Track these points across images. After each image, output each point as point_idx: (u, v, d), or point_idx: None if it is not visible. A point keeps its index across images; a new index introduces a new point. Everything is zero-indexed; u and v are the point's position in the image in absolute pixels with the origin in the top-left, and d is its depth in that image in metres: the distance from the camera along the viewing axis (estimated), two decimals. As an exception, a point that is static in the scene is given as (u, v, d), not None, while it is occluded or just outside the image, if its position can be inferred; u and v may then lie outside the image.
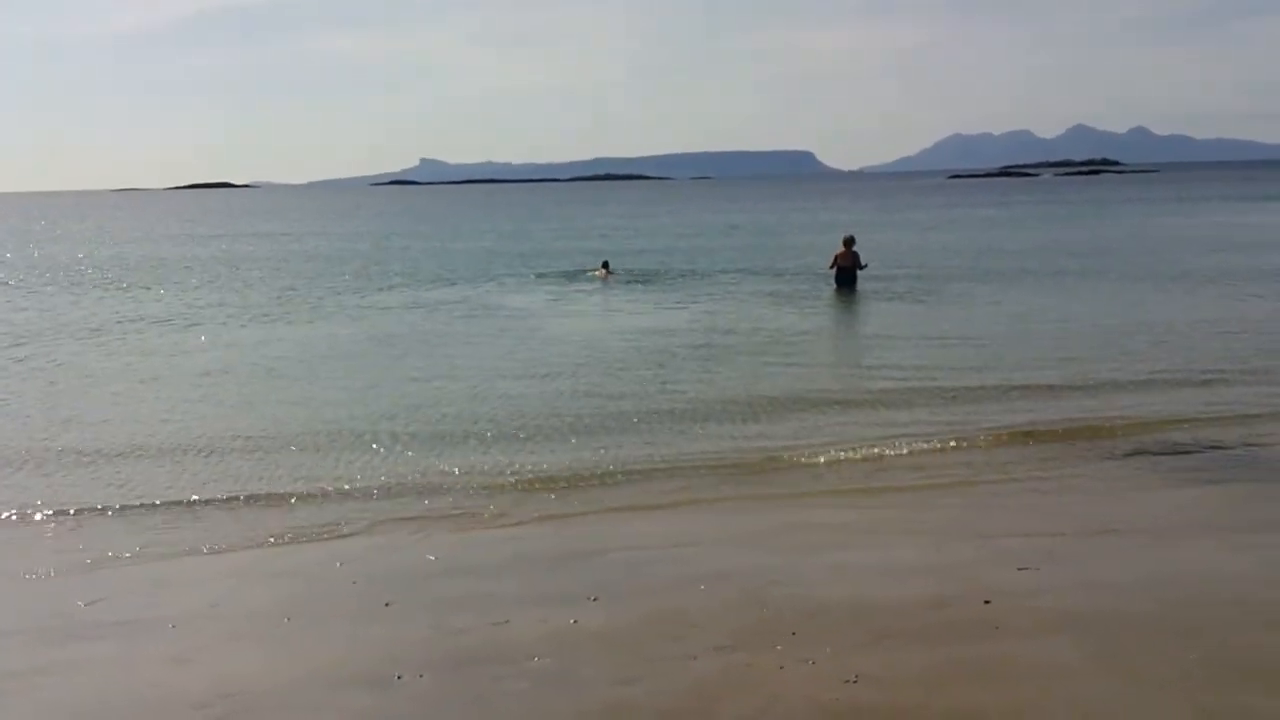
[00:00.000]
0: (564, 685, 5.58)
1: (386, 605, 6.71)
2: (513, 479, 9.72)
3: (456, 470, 10.04)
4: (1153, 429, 11.05)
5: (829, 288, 24.17)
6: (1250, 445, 10.45)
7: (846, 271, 23.83)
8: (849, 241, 24.26)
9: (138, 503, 9.10)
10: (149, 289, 29.10)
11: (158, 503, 9.07)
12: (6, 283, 31.85)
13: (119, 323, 21.57)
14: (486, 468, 10.11)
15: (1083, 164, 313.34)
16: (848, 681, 5.53)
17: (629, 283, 28.14)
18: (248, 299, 25.90)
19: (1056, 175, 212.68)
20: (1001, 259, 32.81)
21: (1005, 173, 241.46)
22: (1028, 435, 10.95)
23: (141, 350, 17.84)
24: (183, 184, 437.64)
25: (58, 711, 5.43)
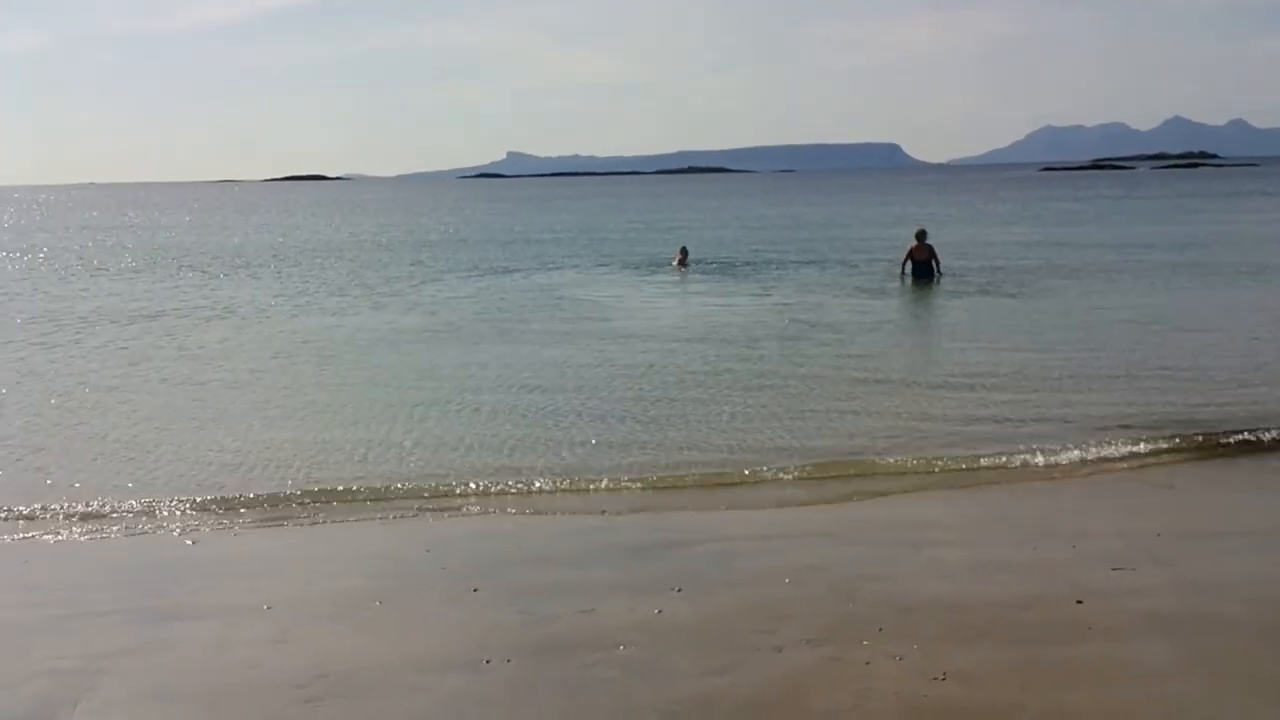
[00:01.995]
0: (651, 674, 5.60)
1: (475, 591, 6.79)
2: (601, 470, 9.75)
3: (544, 459, 10.12)
4: (1259, 428, 10.65)
5: (905, 280, 23.95)
6: None
7: (921, 264, 23.72)
8: (921, 235, 24.23)
9: (235, 492, 9.27)
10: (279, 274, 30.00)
11: (252, 493, 9.21)
12: (138, 270, 32.89)
13: (229, 308, 22.13)
14: (574, 457, 10.16)
15: (1178, 157, 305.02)
16: (936, 679, 5.47)
17: (706, 272, 28.25)
18: (332, 286, 26.53)
19: (1151, 168, 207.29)
20: (1078, 253, 32.11)
21: (1098, 165, 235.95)
22: (1125, 432, 10.67)
23: (246, 339, 18.21)
24: (278, 176, 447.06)
25: (156, 689, 5.57)
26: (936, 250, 24.14)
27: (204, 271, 32.06)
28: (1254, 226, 43.58)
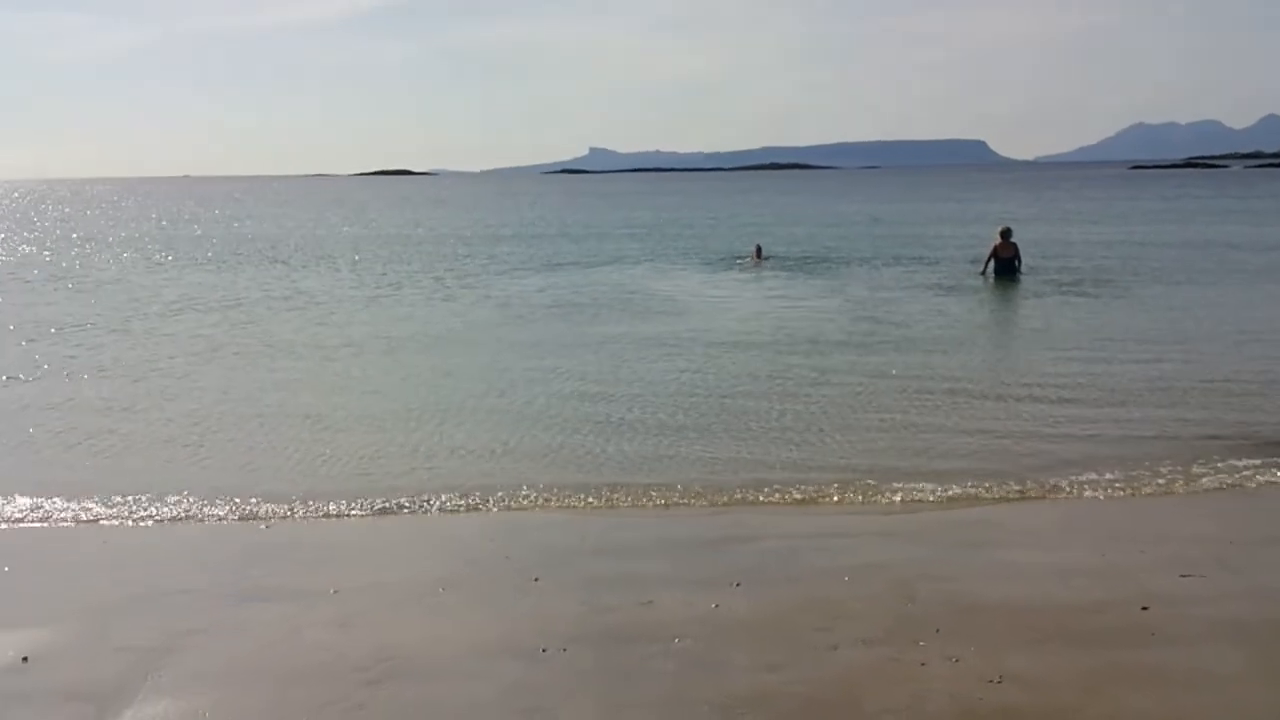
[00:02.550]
0: (707, 668, 5.65)
1: (536, 580, 6.90)
2: (667, 465, 9.80)
3: (610, 452, 10.21)
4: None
5: (987, 279, 23.76)
6: None
7: (1005, 263, 23.58)
8: (1006, 233, 24.04)
9: (304, 481, 9.51)
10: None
11: (321, 484, 9.42)
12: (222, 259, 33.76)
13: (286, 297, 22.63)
14: (639, 452, 10.23)
15: (1275, 155, 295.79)
16: (992, 681, 5.44)
17: (783, 268, 28.26)
18: (403, 278, 27.04)
19: (1245, 167, 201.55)
20: (1159, 253, 31.48)
21: (1190, 164, 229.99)
22: (1201, 438, 10.45)
23: (320, 330, 18.59)
24: (366, 170, 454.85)
25: (225, 668, 5.75)
26: (1020, 249, 24.01)
27: (285, 263, 32.86)
28: None
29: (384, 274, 28.81)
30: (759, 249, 30.52)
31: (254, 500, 8.86)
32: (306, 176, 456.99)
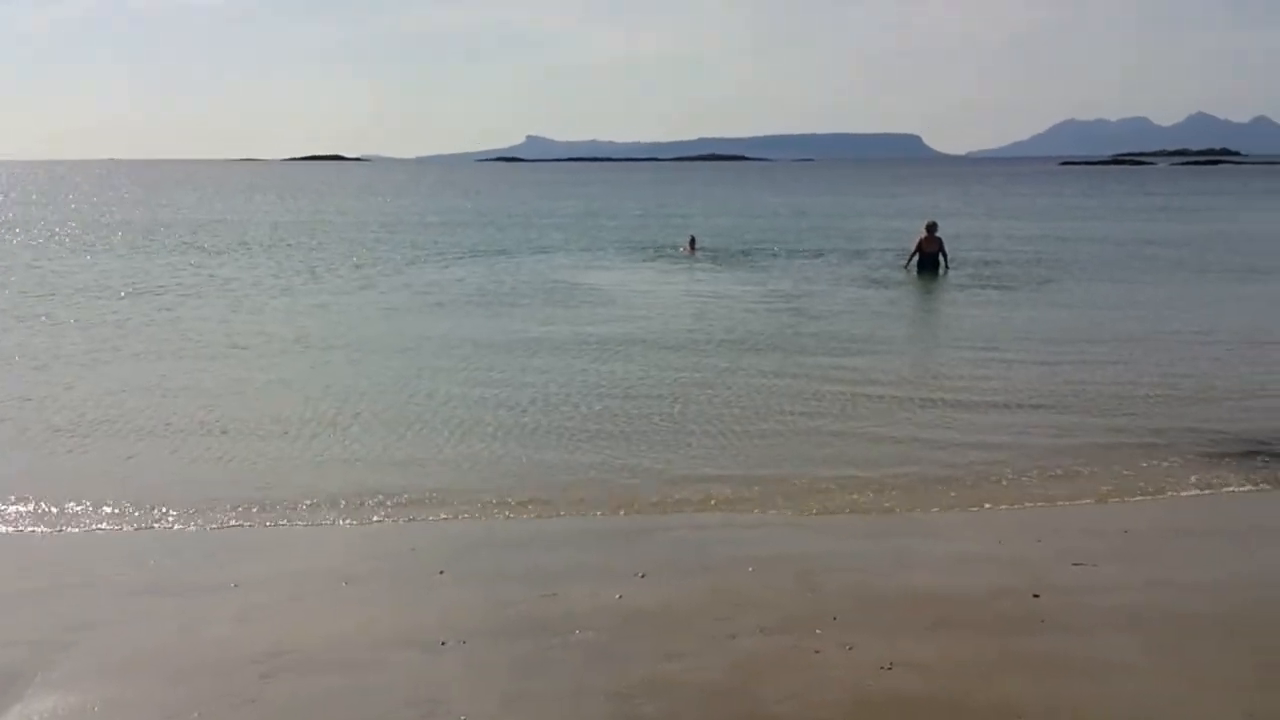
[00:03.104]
0: (608, 658, 5.69)
1: (440, 574, 6.89)
2: (577, 458, 9.78)
3: (521, 448, 10.12)
4: (1243, 433, 10.60)
5: (910, 272, 24.14)
6: None
7: (929, 257, 24.01)
8: (931, 228, 24.46)
9: (211, 473, 9.38)
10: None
11: (228, 475, 9.31)
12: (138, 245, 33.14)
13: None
14: (549, 447, 10.16)
15: (1200, 154, 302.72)
16: (884, 668, 5.54)
17: (711, 260, 28.47)
18: (317, 265, 26.78)
19: (1172, 165, 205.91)
20: (1078, 248, 32.15)
21: (1118, 160, 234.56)
22: (1104, 435, 10.61)
23: (231, 318, 18.32)
24: (297, 155, 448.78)
25: (120, 663, 5.69)
26: (944, 243, 24.47)
27: (204, 249, 32.39)
28: (1256, 226, 43.21)
29: (301, 261, 28.58)
30: (693, 240, 30.77)
31: (156, 495, 8.67)
32: (235, 161, 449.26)
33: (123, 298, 20.84)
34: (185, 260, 28.85)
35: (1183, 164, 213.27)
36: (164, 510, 8.33)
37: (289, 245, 33.83)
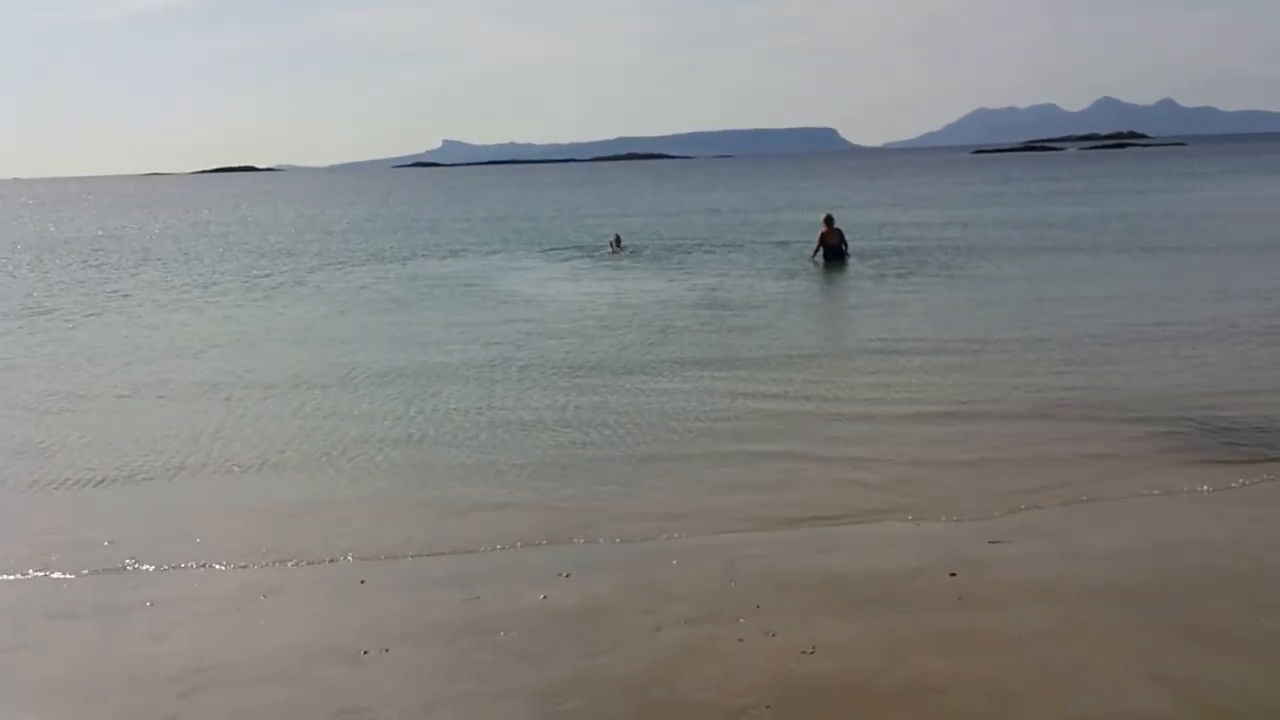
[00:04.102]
0: (530, 658, 5.69)
1: (362, 583, 6.83)
2: (502, 452, 9.72)
3: (443, 451, 9.99)
4: (1152, 403, 10.82)
5: (818, 264, 24.63)
6: (1243, 417, 10.20)
7: (832, 248, 24.77)
8: (829, 220, 25.25)
9: (123, 487, 9.16)
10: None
11: (134, 492, 9.07)
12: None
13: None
14: (475, 450, 10.03)
15: (1108, 137, 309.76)
16: (805, 652, 5.63)
17: (638, 256, 28.57)
18: (214, 277, 26.26)
19: (1081, 149, 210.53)
20: (983, 233, 32.64)
21: (1029, 147, 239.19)
22: (1015, 411, 10.77)
23: (118, 335, 17.97)
24: (207, 168, 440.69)
25: (32, 685, 5.58)
26: (844, 233, 25.20)
27: (100, 267, 31.39)
28: (1155, 206, 44.22)
29: (201, 274, 27.88)
30: (618, 238, 30.90)
31: (61, 517, 8.44)
32: (142, 176, 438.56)
33: (18, 316, 20.20)
34: (83, 276, 28.14)
35: (1091, 148, 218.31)
36: (70, 532, 8.10)
37: (189, 258, 33.15)
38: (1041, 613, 6.08)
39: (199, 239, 42.97)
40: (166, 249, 37.52)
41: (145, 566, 7.28)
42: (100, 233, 49.60)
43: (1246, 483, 8.38)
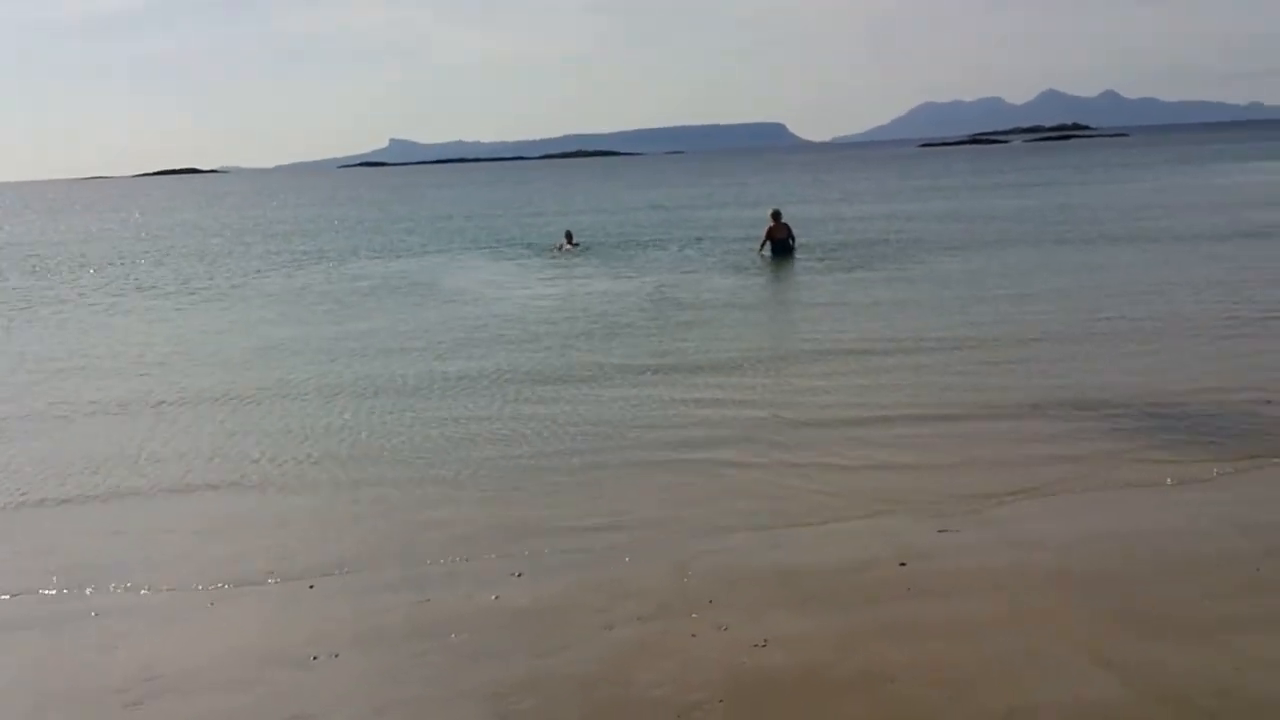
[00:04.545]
0: (482, 659, 5.67)
1: (311, 588, 6.77)
2: (451, 458, 9.63)
3: (395, 450, 9.91)
4: (1099, 396, 10.91)
5: (765, 258, 24.90)
6: (1192, 410, 10.25)
7: (780, 243, 25.11)
8: (776, 214, 25.55)
9: (62, 496, 9.01)
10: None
11: (83, 503, 8.90)
12: None
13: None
14: (428, 449, 9.97)
15: (1053, 129, 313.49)
16: (757, 645, 5.65)
17: (589, 254, 28.50)
18: (149, 280, 25.92)
19: (1026, 141, 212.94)
20: (927, 226, 32.84)
21: (976, 140, 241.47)
22: (959, 402, 10.84)
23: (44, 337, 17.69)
24: (150, 171, 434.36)
25: (-22, 701, 5.47)
26: (791, 228, 25.54)
27: (33, 273, 30.77)
28: (1096, 197, 44.65)
29: (139, 278, 27.47)
30: (569, 235, 30.89)
31: (11, 530, 8.29)
32: (81, 180, 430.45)
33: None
34: (19, 283, 27.58)
35: (1037, 140, 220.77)
36: (11, 545, 7.96)
37: (126, 262, 32.65)
38: (990, 601, 6.15)
39: (136, 242, 42.32)
40: (103, 253, 36.92)
41: (90, 577, 7.15)
42: (39, 238, 48.68)
43: (1196, 473, 8.41)
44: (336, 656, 5.74)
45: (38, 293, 24.77)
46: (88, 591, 6.90)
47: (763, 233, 25.67)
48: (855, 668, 5.40)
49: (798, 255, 24.96)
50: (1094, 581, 6.40)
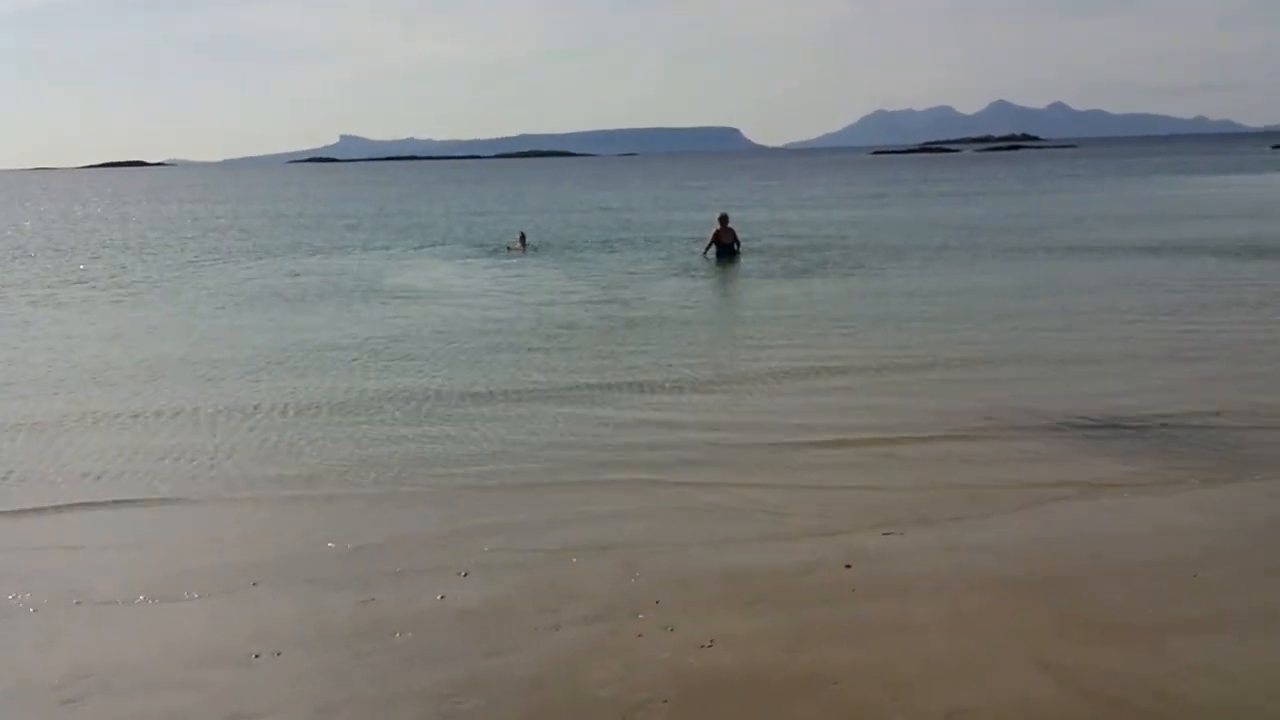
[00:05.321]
0: (427, 660, 5.64)
1: (254, 585, 6.69)
2: (393, 454, 9.57)
3: (340, 449, 9.81)
4: (1030, 400, 11.09)
5: (709, 260, 25.39)
6: (1135, 419, 10.37)
7: (725, 246, 25.68)
8: (724, 219, 26.15)
9: (16, 490, 8.85)
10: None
11: (18, 487, 8.83)
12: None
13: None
14: (374, 446, 9.89)
15: (1002, 139, 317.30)
16: (704, 646, 5.67)
17: (544, 254, 28.58)
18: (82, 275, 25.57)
19: (977, 151, 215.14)
20: (872, 233, 33.16)
21: (927, 148, 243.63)
22: (904, 409, 10.89)
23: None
24: (96, 163, 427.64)
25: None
26: (737, 232, 26.13)
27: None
28: (1045, 207, 45.16)
29: (68, 273, 26.97)
30: (523, 236, 31.01)
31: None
32: (26, 171, 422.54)
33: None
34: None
35: (986, 149, 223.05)
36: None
37: (61, 255, 32.18)
38: (934, 604, 6.22)
39: (71, 235, 41.65)
40: (38, 245, 36.33)
41: (27, 573, 7.04)
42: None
43: (1137, 480, 8.53)
44: (279, 655, 5.68)
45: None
46: (25, 587, 6.75)
47: (709, 235, 26.19)
48: (801, 669, 5.44)
49: (743, 259, 25.34)
50: (1035, 586, 6.48)
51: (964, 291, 19.86)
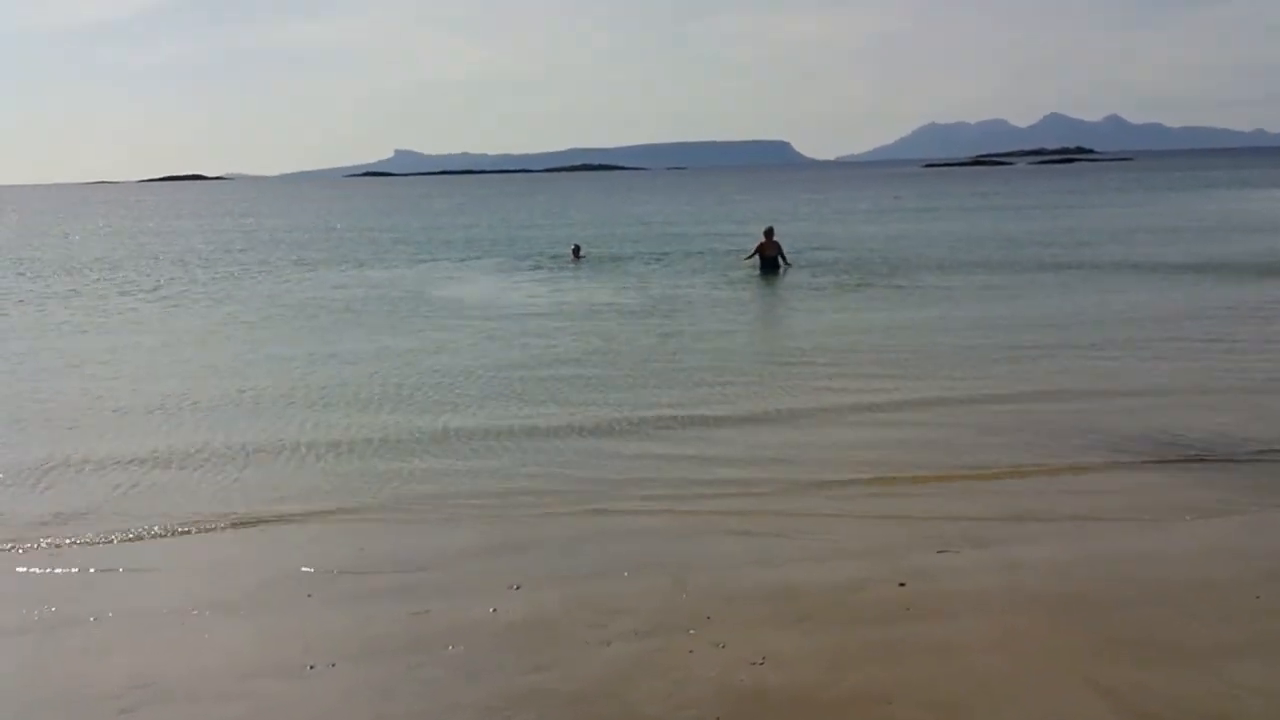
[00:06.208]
0: (478, 673, 5.66)
1: (309, 596, 6.76)
2: (453, 472, 9.63)
3: (394, 464, 9.90)
4: (1091, 416, 10.98)
5: (753, 268, 26.06)
6: (1188, 436, 10.26)
7: (769, 260, 26.12)
8: (769, 232, 26.63)
9: (61, 505, 8.94)
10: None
11: (70, 510, 8.83)
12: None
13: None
14: (427, 462, 9.98)
15: (1055, 152, 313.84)
16: (754, 664, 5.63)
17: (598, 266, 28.93)
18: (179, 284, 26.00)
19: (1030, 164, 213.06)
20: (925, 248, 32.80)
21: (979, 161, 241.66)
22: (953, 429, 10.78)
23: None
24: (155, 176, 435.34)
25: (-28, 704, 5.45)
26: (782, 246, 26.52)
27: (20, 275, 31.03)
28: (1093, 221, 44.30)
29: (115, 284, 27.66)
30: (577, 248, 31.36)
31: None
32: (86, 185, 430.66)
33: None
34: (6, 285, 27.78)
35: (1040, 163, 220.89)
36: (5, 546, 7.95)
37: (111, 268, 32.84)
38: (987, 623, 6.14)
39: (122, 248, 42.60)
40: (89, 257, 37.15)
41: (85, 581, 7.16)
42: (32, 241, 48.78)
43: (1198, 503, 8.37)
44: (333, 666, 5.73)
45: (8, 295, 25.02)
46: (82, 595, 6.88)
47: (753, 247, 26.80)
48: (850, 688, 5.39)
49: (790, 271, 25.77)
50: (1089, 606, 6.39)
51: (1003, 318, 18.86)
